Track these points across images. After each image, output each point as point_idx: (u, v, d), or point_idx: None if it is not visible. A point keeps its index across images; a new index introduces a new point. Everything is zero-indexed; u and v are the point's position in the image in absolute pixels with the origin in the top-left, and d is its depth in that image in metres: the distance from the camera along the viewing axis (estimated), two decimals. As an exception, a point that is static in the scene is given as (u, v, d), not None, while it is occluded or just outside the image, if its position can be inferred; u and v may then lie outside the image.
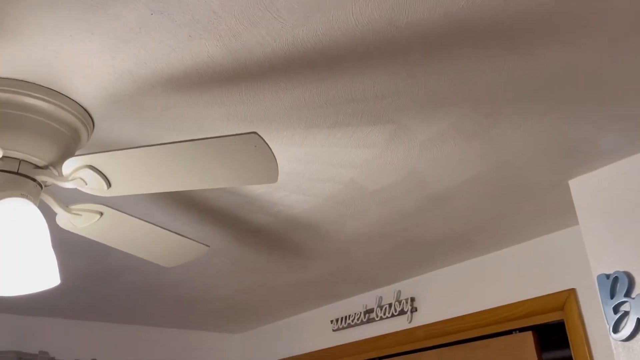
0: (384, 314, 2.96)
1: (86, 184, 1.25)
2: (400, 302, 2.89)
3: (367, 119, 1.47)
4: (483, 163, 1.73)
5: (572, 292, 2.17)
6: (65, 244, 2.27)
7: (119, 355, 3.49)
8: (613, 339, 1.61)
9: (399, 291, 2.94)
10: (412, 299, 2.85)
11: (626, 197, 1.69)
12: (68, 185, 1.25)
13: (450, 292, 2.68)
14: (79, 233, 1.50)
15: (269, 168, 1.19)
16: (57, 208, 1.37)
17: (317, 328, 3.41)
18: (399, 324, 2.89)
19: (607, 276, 1.65)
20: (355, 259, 2.58)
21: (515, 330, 2.39)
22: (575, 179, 1.84)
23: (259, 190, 1.85)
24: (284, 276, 2.81)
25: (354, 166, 1.72)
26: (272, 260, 2.56)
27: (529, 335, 2.34)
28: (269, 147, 1.14)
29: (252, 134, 1.11)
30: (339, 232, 2.25)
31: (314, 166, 1.71)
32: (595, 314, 2.09)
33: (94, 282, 2.75)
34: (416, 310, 2.83)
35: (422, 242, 2.39)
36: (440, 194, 1.94)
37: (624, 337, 1.57)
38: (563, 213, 2.12)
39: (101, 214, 1.44)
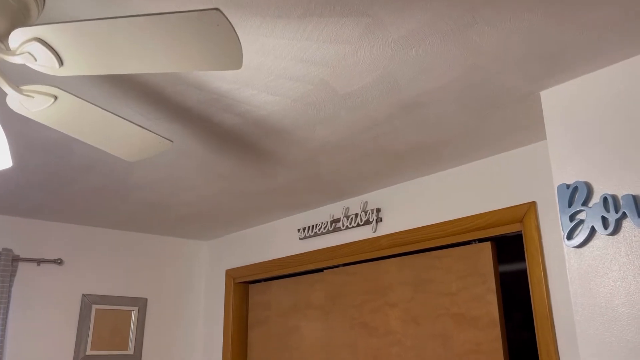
0: (350, 224, 3.01)
1: (36, 60, 1.17)
2: (366, 213, 2.94)
3: (340, 10, 1.39)
4: (457, 68, 1.69)
5: (532, 204, 2.22)
6: (26, 139, 2.19)
7: (85, 257, 3.52)
8: (566, 245, 1.66)
9: (366, 202, 2.98)
10: (378, 210, 2.90)
11: (595, 110, 1.69)
12: (16, 60, 1.17)
13: (415, 204, 2.72)
14: (33, 118, 1.42)
15: (232, 51, 1.13)
16: (6, 87, 1.29)
17: (284, 236, 3.48)
18: (364, 234, 2.95)
19: (568, 186, 1.68)
20: (324, 167, 2.57)
21: (475, 240, 2.46)
22: (547, 90, 1.82)
23: (226, 86, 1.78)
24: (252, 183, 2.81)
25: (325, 64, 1.65)
26: (240, 166, 2.54)
27: (487, 245, 2.42)
28: (233, 27, 1.07)
29: (214, 11, 1.03)
30: (309, 138, 2.22)
31: (283, 62, 1.64)
32: (551, 226, 2.16)
33: (58, 180, 2.70)
34: (381, 221, 2.88)
35: (391, 153, 2.39)
36: (412, 101, 1.90)
37: (577, 244, 1.63)
38: (531, 127, 2.13)
39: (55, 97, 1.36)
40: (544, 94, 1.83)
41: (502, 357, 2.28)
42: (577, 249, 1.64)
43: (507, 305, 3.37)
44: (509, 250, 3.13)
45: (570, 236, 1.65)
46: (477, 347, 2.37)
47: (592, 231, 1.60)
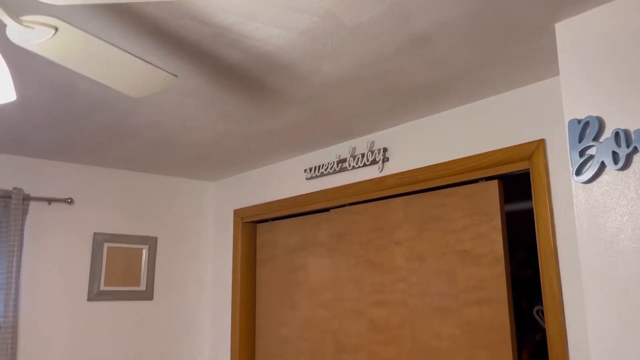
0: (357, 164, 3.01)
1: (33, -13, 1.13)
2: (372, 152, 2.93)
3: None
4: (469, -2, 1.62)
5: (541, 142, 2.20)
6: (30, 77, 2.16)
7: (95, 197, 3.56)
8: (575, 181, 1.65)
9: (372, 142, 2.96)
10: (385, 150, 2.88)
11: (609, 43, 1.63)
12: (13, -13, 1.13)
13: (422, 143, 2.70)
14: (34, 50, 1.40)
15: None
16: (5, 18, 1.25)
17: (291, 176, 3.49)
18: (370, 173, 2.95)
19: (579, 121, 1.65)
20: (330, 105, 2.54)
21: (482, 179, 2.46)
22: (562, 22, 1.76)
23: (230, 19, 1.73)
24: (258, 122, 2.78)
25: (331, -6, 1.59)
26: (246, 104, 2.51)
27: (494, 184, 2.42)
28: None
29: None
30: (315, 74, 2.18)
31: (288, -8, 1.58)
32: (559, 164, 2.14)
33: (65, 119, 2.69)
34: (388, 160, 2.87)
35: (398, 90, 2.35)
36: (421, 34, 1.85)
37: (585, 180, 1.62)
38: (542, 63, 2.07)
39: (56, 28, 1.33)
40: (559, 26, 1.77)
41: (506, 293, 2.33)
42: (586, 185, 1.63)
43: (512, 245, 3.40)
44: (515, 189, 3.13)
45: (579, 172, 1.64)
46: (481, 283, 2.41)
47: (602, 166, 1.59)
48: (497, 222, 2.39)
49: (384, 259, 2.85)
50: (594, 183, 1.61)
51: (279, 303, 3.52)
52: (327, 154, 3.24)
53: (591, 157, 1.61)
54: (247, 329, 3.67)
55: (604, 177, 1.59)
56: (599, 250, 1.58)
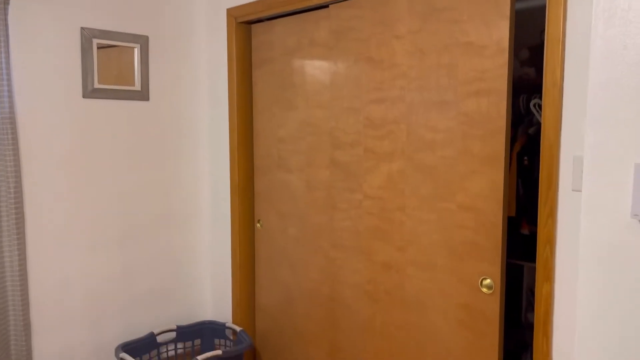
0: (360, -50, 2.77)
1: None
2: (378, -64, 2.67)
3: None
4: None
5: None
6: None
7: (78, -12, 3.32)
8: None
9: None
10: None
11: None
12: None
13: None
14: None
15: None
16: None
17: (287, -31, 3.23)
18: (374, -39, 2.73)
19: None
20: None
21: (495, -38, 2.28)
22: None
23: None
24: None
25: None
26: None
27: (508, -33, 2.25)
28: None
29: None
30: None
31: None
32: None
33: None
34: (394, -55, 2.63)
35: None
36: None
37: (613, -59, 1.48)
38: None
39: None
40: None
41: (506, 83, 2.31)
42: (612, -52, 1.50)
43: (515, 44, 3.32)
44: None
45: None
46: (482, 74, 2.38)
47: None
48: (505, 10, 2.28)
49: (384, 55, 2.78)
50: (622, -55, 1.48)
51: (276, 105, 3.53)
52: (328, -59, 2.97)
53: None
54: (245, 131, 3.73)
55: (634, -63, 1.45)
56: (613, 20, 1.52)
